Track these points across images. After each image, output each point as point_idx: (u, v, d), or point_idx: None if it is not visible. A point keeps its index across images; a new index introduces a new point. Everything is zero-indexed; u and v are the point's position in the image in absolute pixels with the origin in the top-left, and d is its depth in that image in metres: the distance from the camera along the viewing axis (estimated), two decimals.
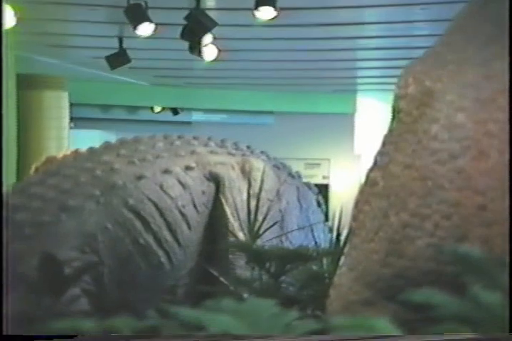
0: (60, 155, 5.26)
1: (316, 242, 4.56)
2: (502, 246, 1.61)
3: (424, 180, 1.83)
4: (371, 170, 2.05)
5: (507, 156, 1.71)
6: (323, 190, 7.63)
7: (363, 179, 2.13)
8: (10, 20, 6.10)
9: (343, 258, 2.32)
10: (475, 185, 1.73)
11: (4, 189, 4.69)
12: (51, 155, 5.43)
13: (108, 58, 7.82)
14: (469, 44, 1.93)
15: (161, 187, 4.97)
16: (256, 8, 5.65)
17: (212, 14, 6.38)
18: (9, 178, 7.00)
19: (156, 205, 4.90)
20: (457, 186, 1.76)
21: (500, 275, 1.17)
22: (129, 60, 7.85)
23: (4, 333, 3.43)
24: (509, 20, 1.88)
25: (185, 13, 6.27)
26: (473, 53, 1.90)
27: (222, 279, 3.99)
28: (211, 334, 1.11)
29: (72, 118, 10.77)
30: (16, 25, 6.14)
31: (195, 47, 6.86)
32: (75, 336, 3.08)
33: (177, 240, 4.92)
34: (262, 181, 5.09)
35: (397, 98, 2.02)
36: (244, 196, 5.09)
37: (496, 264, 1.15)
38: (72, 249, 4.55)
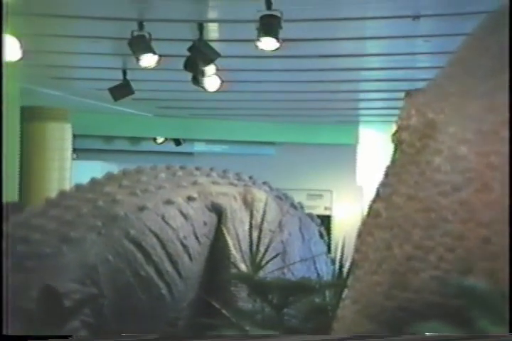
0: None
1: (318, 274, 4.53)
2: (507, 280, 1.59)
3: (427, 211, 1.82)
4: (374, 201, 2.04)
5: (510, 188, 1.70)
6: (325, 221, 7.60)
7: (365, 210, 2.12)
8: (16, 52, 6.14)
9: (346, 291, 2.30)
10: (479, 217, 1.72)
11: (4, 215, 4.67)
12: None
13: (111, 90, 7.86)
14: (470, 76, 1.93)
15: (163, 218, 4.95)
16: (259, 39, 5.69)
17: (215, 45, 6.43)
18: None
19: (157, 236, 4.87)
20: (461, 218, 1.75)
21: (506, 309, 1.16)
22: (132, 92, 7.88)
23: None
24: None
25: (189, 44, 6.32)
26: (474, 85, 1.91)
27: (223, 311, 3.96)
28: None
29: (74, 150, 10.80)
30: (20, 58, 6.18)
31: (198, 79, 6.90)
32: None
33: (178, 272, 4.88)
34: (265, 212, 5.07)
35: (399, 129, 2.02)
36: (247, 227, 5.07)
37: (501, 298, 1.13)
38: (73, 281, 4.51)
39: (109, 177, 5.27)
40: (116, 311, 4.61)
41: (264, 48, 5.84)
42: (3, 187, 4.66)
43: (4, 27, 4.36)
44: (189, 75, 6.86)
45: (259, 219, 5.01)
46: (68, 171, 10.35)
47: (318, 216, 6.14)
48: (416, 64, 8.06)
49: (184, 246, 4.95)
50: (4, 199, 3.59)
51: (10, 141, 7.60)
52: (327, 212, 12.76)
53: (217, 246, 5.06)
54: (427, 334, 1.39)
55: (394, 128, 2.02)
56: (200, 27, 6.33)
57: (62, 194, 5.16)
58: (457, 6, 5.80)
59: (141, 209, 4.92)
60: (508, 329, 1.16)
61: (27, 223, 4.73)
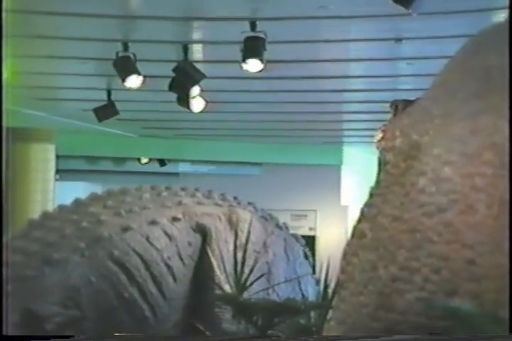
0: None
1: (303, 295, 4.51)
2: (493, 302, 1.59)
3: (412, 232, 1.82)
4: (359, 221, 2.05)
5: (494, 210, 1.71)
6: (310, 241, 7.59)
7: (350, 230, 2.12)
8: None
9: (331, 312, 2.29)
10: (463, 238, 1.73)
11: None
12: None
13: (96, 110, 7.83)
14: (454, 98, 1.95)
15: (147, 238, 4.92)
16: (243, 60, 5.71)
17: (199, 66, 6.44)
18: None
19: (141, 257, 4.84)
20: (445, 239, 1.76)
21: (491, 331, 1.16)
22: (117, 112, 7.85)
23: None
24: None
25: (173, 65, 6.33)
26: (458, 108, 1.92)
27: (208, 333, 3.93)
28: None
29: (58, 171, 10.72)
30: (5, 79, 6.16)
31: (183, 99, 6.90)
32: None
33: (162, 293, 4.85)
34: (249, 232, 5.05)
35: (383, 150, 2.03)
36: (231, 247, 5.05)
37: (486, 320, 1.13)
38: (54, 303, 4.46)
39: (94, 198, 5.24)
40: (98, 333, 4.56)
41: (249, 69, 5.87)
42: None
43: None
44: (174, 96, 6.86)
45: (243, 240, 5.00)
46: (51, 193, 10.27)
47: (303, 236, 6.13)
48: (399, 86, 8.12)
49: (168, 267, 4.92)
50: None
51: None
52: (312, 233, 12.74)
53: (202, 267, 5.03)
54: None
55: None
56: (185, 48, 6.34)
57: (46, 215, 5.12)
58: (439, 29, 5.86)
59: (126, 229, 4.90)
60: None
61: (9, 245, 4.69)
